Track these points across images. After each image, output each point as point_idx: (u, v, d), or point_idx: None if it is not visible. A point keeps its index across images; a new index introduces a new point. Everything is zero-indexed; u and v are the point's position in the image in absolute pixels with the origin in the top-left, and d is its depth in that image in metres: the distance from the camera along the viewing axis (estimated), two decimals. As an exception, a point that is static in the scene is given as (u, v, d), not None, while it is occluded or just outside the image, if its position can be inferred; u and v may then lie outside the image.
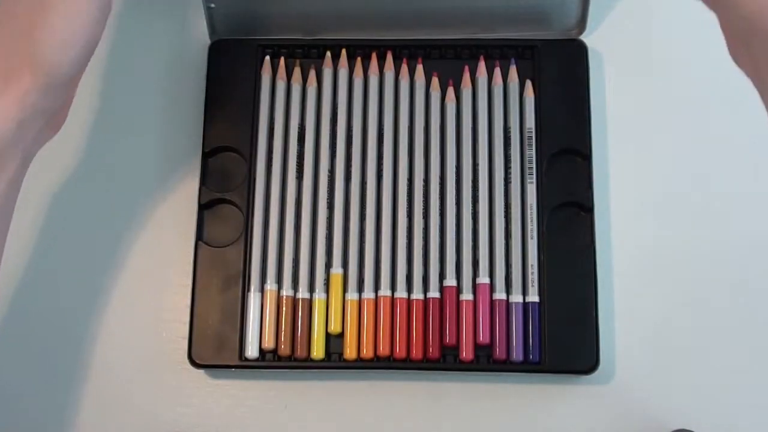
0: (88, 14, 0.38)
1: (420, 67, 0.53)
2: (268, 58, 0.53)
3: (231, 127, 0.52)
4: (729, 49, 0.39)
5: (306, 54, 0.54)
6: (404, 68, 0.53)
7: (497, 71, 0.53)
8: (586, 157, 0.51)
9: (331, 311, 0.50)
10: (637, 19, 0.56)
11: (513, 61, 0.53)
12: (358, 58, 0.53)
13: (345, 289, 0.50)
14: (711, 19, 0.55)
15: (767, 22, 0.35)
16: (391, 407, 0.50)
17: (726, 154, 0.53)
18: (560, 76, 0.52)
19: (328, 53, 0.53)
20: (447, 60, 0.54)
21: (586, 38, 0.54)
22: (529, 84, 0.52)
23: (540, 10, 0.53)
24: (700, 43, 0.54)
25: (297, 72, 0.53)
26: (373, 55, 0.53)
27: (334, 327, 0.49)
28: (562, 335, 0.48)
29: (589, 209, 0.50)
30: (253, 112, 0.52)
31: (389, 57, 0.53)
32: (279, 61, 0.53)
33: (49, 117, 0.41)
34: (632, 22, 0.56)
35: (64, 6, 0.38)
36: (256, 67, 0.53)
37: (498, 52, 0.53)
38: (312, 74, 0.53)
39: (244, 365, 0.49)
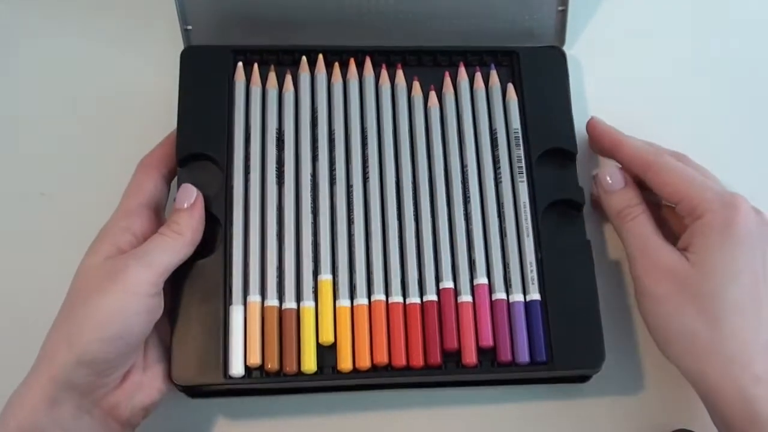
0: (131, 307, 0.41)
1: (400, 72, 0.52)
2: (241, 63, 0.51)
3: (205, 135, 0.49)
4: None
5: (280, 61, 0.52)
6: (384, 73, 0.52)
7: (478, 75, 0.52)
8: (573, 157, 0.50)
9: (322, 320, 0.46)
10: (616, 30, 0.57)
11: (492, 66, 0.52)
12: (336, 64, 0.52)
13: (335, 296, 0.47)
14: (688, 32, 0.57)
15: (702, 383, 0.43)
16: (392, 417, 0.48)
17: (705, 155, 0.53)
18: (541, 79, 0.52)
19: (304, 58, 0.51)
20: (426, 67, 0.53)
21: (566, 50, 0.54)
22: (510, 87, 0.52)
23: (519, 24, 0.53)
24: (679, 53, 0.57)
25: (272, 77, 0.51)
26: (351, 61, 0.52)
27: (326, 337, 0.46)
28: (567, 332, 0.46)
29: (580, 206, 0.49)
30: (227, 119, 0.49)
31: (368, 62, 0.52)
32: (252, 67, 0.51)
33: (89, 395, 0.42)
34: (611, 34, 0.57)
35: (108, 295, 0.41)
36: (229, 73, 0.50)
37: (477, 59, 0.53)
38: (288, 79, 0.51)
39: (228, 386, 0.45)
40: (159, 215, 0.47)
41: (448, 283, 0.47)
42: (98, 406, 0.42)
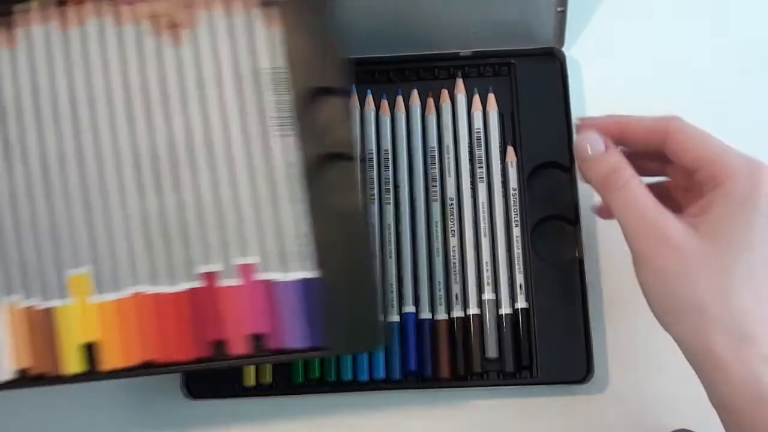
0: None
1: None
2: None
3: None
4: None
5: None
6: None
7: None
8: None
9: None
10: (616, 30, 0.57)
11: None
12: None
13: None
14: (689, 32, 0.56)
15: (708, 363, 0.39)
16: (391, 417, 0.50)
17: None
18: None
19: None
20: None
21: (565, 51, 0.54)
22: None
23: (517, 26, 0.53)
24: (679, 53, 0.56)
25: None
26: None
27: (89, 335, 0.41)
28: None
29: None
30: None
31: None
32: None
33: None
34: (610, 34, 0.56)
35: None
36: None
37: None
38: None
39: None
40: None
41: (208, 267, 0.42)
42: None
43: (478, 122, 0.52)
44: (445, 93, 0.53)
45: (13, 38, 0.43)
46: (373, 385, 0.48)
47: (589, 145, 0.42)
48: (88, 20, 0.42)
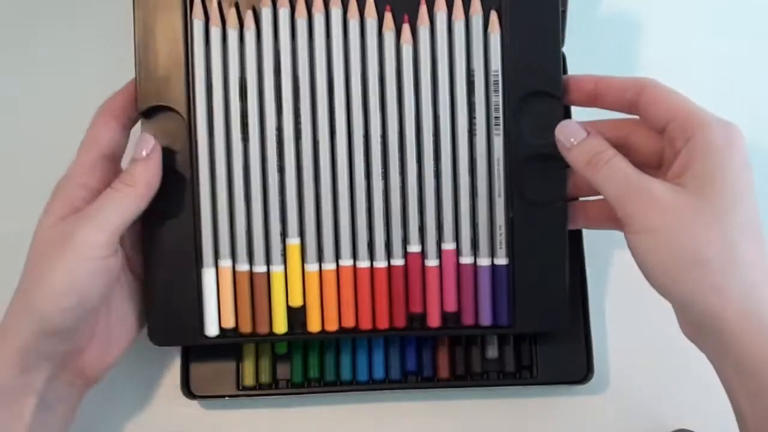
0: (86, 272, 0.41)
1: (371, 2, 0.47)
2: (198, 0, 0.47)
3: (166, 84, 0.47)
4: (681, 327, 0.42)
5: (239, -8, 0.47)
6: (353, 4, 0.47)
7: (458, 3, 0.47)
8: (559, 99, 0.46)
9: (291, 284, 0.47)
10: (616, 31, 0.56)
11: None
12: (300, -7, 0.47)
13: (303, 260, 0.47)
14: (689, 32, 0.54)
15: (719, 320, 0.38)
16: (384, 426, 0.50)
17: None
18: (529, 5, 0.46)
19: (265, -11, 0.47)
20: None
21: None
22: (494, 18, 0.47)
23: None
24: (679, 53, 0.55)
25: (232, 14, 0.47)
26: (317, -9, 0.47)
27: (295, 300, 0.47)
28: (532, 295, 0.46)
29: (562, 159, 0.46)
30: (186, 65, 0.46)
31: (335, -8, 0.47)
32: (211, 8, 0.47)
33: (59, 361, 0.43)
34: (610, 34, 0.56)
35: (61, 262, 0.41)
36: (185, 10, 0.47)
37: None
38: (249, 16, 0.47)
39: (204, 344, 0.47)
40: (117, 167, 0.46)
41: (415, 247, 0.47)
42: (66, 369, 0.44)
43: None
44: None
45: (258, 19, 0.47)
46: (373, 385, 0.48)
47: (570, 134, 0.44)
48: (332, 7, 0.47)
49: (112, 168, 0.46)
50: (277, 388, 0.50)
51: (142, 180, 0.44)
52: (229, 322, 0.47)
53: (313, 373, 0.49)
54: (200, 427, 0.50)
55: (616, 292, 0.51)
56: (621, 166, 0.42)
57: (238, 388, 0.49)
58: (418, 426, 0.50)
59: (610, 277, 0.51)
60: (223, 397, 0.49)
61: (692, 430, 0.47)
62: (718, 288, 0.38)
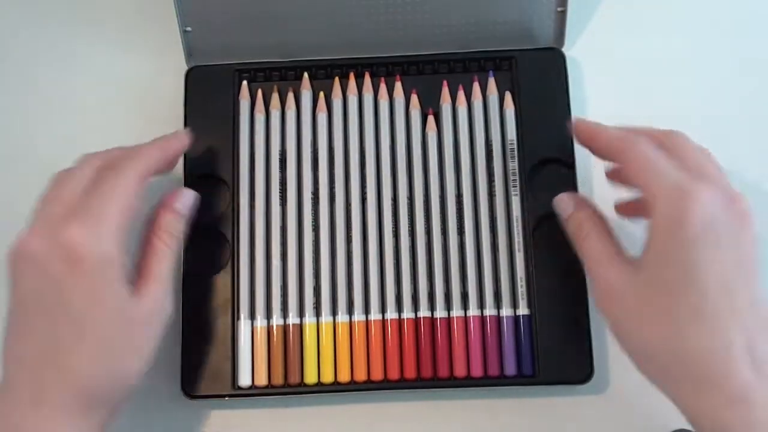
0: (124, 360, 0.43)
1: (398, 85, 0.53)
2: (245, 83, 0.53)
3: (212, 154, 0.52)
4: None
5: (283, 76, 0.53)
6: (383, 87, 0.53)
7: (476, 86, 0.53)
8: (571, 166, 0.51)
9: (322, 335, 0.50)
10: (616, 30, 0.57)
11: (491, 73, 0.53)
12: (336, 78, 0.53)
13: (335, 313, 0.50)
14: (689, 32, 0.56)
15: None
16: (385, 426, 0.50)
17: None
18: (540, 85, 0.52)
19: (306, 75, 0.53)
20: (426, 75, 0.54)
21: (565, 51, 0.54)
22: (508, 96, 0.52)
23: (517, 26, 0.53)
24: (679, 53, 0.56)
25: (275, 98, 0.53)
26: (351, 75, 0.53)
27: (326, 351, 0.49)
28: (554, 347, 0.49)
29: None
30: (233, 139, 0.52)
31: (367, 77, 0.53)
32: (257, 93, 0.53)
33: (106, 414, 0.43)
34: (610, 34, 0.56)
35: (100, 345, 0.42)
36: (233, 92, 0.53)
37: (476, 65, 0.53)
38: (290, 97, 0.53)
39: (237, 394, 0.49)
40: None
41: (441, 313, 0.50)
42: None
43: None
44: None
45: (298, 100, 0.53)
46: (373, 385, 0.49)
47: (562, 207, 0.47)
48: (365, 92, 0.53)
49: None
50: (275, 388, 0.50)
51: (180, 234, 0.47)
52: (262, 381, 0.49)
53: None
54: (199, 428, 0.50)
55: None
56: (594, 241, 0.44)
57: (236, 389, 0.49)
58: (418, 426, 0.50)
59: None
60: (223, 397, 0.49)
61: (692, 430, 0.45)
62: (672, 380, 0.39)
